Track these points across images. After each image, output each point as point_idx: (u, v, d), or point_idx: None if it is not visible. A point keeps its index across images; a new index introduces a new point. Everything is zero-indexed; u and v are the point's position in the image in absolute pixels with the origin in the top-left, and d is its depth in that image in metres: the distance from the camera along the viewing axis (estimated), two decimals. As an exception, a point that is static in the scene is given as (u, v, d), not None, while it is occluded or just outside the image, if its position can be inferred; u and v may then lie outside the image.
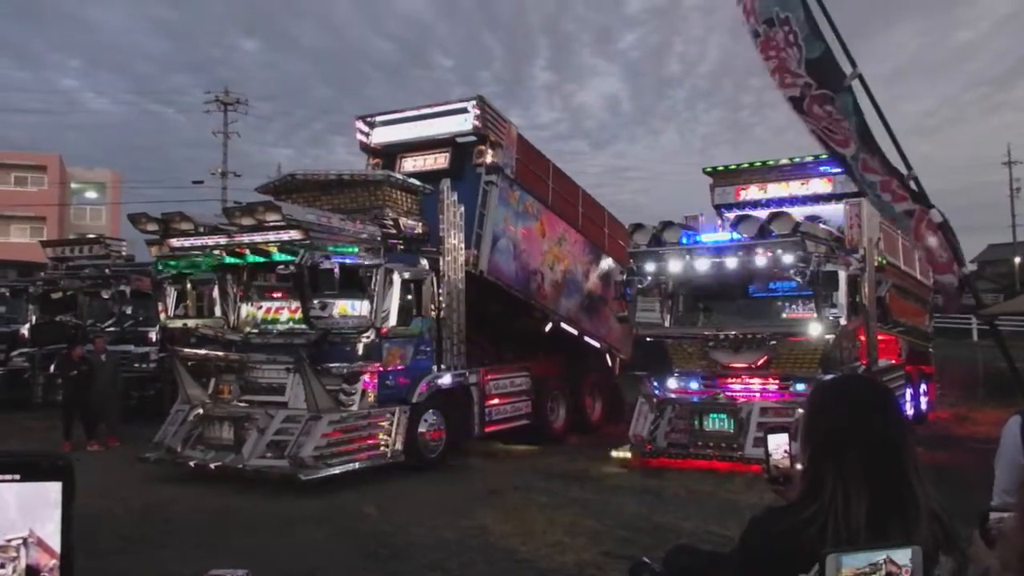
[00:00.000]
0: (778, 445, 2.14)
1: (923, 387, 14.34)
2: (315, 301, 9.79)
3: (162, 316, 11.43)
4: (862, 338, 11.13)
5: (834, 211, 12.25)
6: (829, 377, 2.07)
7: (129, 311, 16.04)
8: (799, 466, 1.80)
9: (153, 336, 15.17)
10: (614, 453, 11.04)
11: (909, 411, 13.20)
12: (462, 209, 11.50)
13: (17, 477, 0.92)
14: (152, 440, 10.39)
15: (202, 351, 10.92)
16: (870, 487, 1.60)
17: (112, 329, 15.60)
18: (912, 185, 5.84)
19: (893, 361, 12.98)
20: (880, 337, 12.08)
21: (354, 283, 10.14)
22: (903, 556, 1.39)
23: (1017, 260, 42.41)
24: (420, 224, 11.19)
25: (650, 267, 11.33)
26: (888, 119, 5.89)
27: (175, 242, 10.31)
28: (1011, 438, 2.90)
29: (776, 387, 10.62)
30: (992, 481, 2.91)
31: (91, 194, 48.94)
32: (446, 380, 11.15)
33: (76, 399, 12.30)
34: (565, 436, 13.30)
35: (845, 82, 5.65)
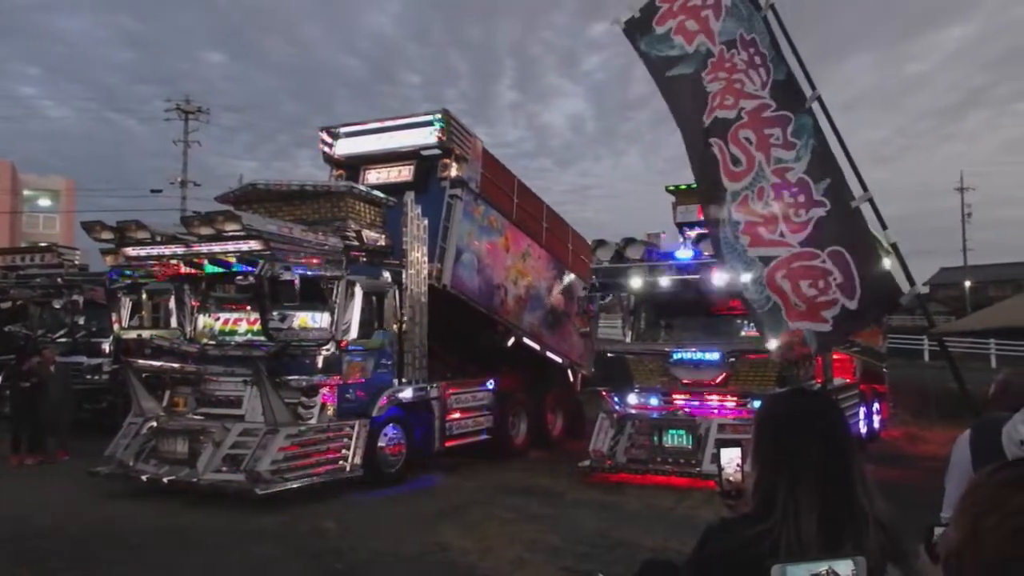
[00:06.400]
0: (730, 459, 2.16)
1: (876, 406, 14.59)
2: (275, 313, 9.68)
3: (116, 327, 11.19)
4: (818, 357, 11.30)
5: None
6: (777, 391, 2.12)
7: (82, 321, 15.68)
8: (750, 480, 1.82)
9: (106, 347, 14.84)
10: (581, 464, 11.05)
11: (862, 429, 13.43)
12: (426, 222, 11.48)
13: None
14: (104, 454, 10.14)
15: (157, 363, 10.72)
16: (819, 499, 1.63)
17: (64, 340, 15.23)
18: (868, 208, 5.91)
19: (848, 380, 13.20)
20: (835, 356, 12.28)
21: (315, 295, 10.05)
22: (845, 567, 1.42)
23: (968, 284, 43.51)
24: (383, 237, 11.14)
25: (612, 283, 11.42)
26: (846, 144, 5.99)
27: (131, 251, 10.12)
28: (962, 453, 2.95)
29: (734, 404, 10.74)
30: (940, 498, 2.96)
31: (44, 202, 47.81)
32: (407, 394, 11.08)
33: (25, 412, 11.99)
34: (526, 451, 13.28)
35: (806, 104, 5.72)
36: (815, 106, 5.79)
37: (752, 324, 11.56)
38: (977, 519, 1.04)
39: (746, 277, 5.73)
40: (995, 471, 1.11)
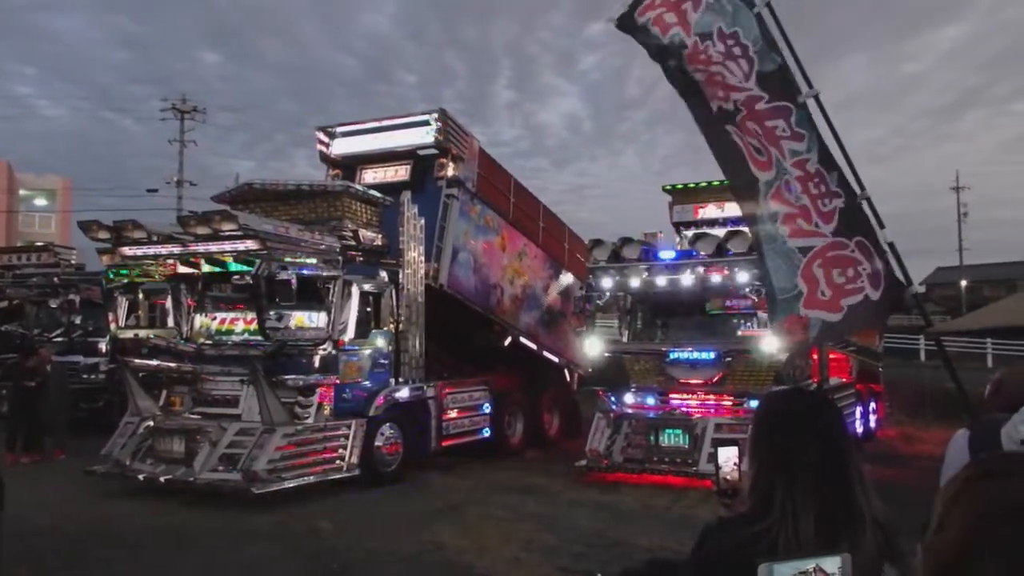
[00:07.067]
0: (728, 458, 2.17)
1: (872, 405, 14.61)
2: (271, 312, 9.67)
3: (112, 326, 11.18)
4: (815, 357, 11.32)
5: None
6: (776, 390, 2.12)
7: (78, 321, 15.66)
8: (747, 479, 1.83)
9: (103, 347, 14.83)
10: (578, 463, 11.06)
11: (859, 429, 13.45)
12: (422, 222, 11.47)
13: None
14: (100, 453, 10.13)
15: (154, 362, 10.70)
16: (817, 499, 1.63)
17: (60, 339, 15.21)
18: (865, 207, 5.91)
19: (844, 379, 13.23)
20: (832, 356, 12.31)
21: (312, 295, 10.04)
22: (831, 564, 1.42)
23: (964, 283, 43.58)
24: (380, 236, 11.14)
25: (609, 283, 11.43)
26: (843, 144, 5.99)
27: (127, 251, 10.11)
28: (958, 452, 2.97)
29: (731, 403, 10.76)
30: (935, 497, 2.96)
31: (40, 201, 47.74)
32: (404, 393, 11.07)
33: (24, 411, 11.98)
34: (523, 451, 13.29)
35: (800, 99, 5.70)
36: (811, 104, 5.77)
37: (748, 324, 11.64)
38: (945, 511, 1.07)
39: (780, 268, 5.72)
40: (968, 466, 1.13)
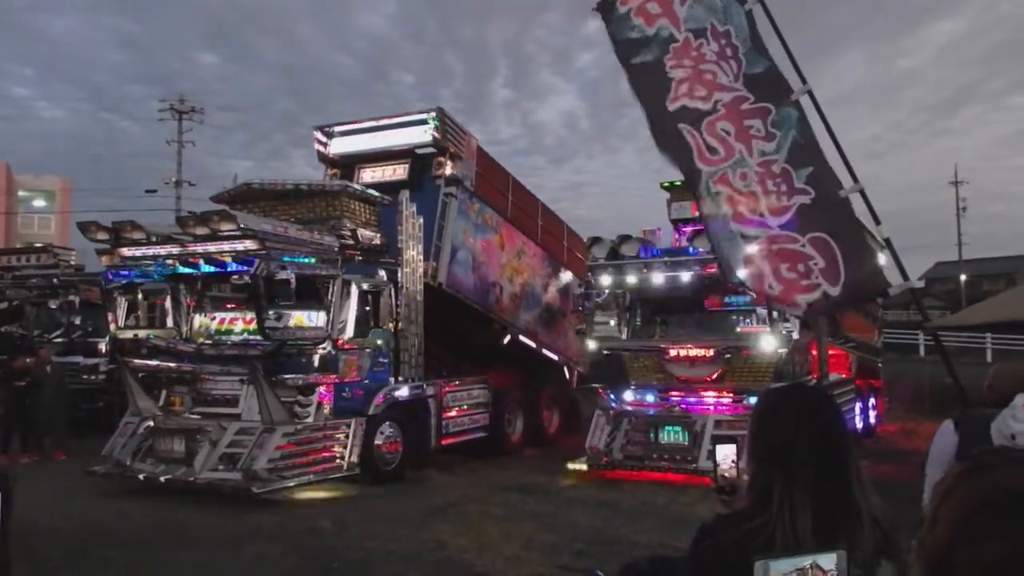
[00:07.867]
0: (726, 455, 2.17)
1: (872, 401, 14.62)
2: (270, 312, 9.68)
3: (112, 327, 11.18)
4: (814, 352, 11.33)
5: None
6: (775, 386, 2.12)
7: (78, 322, 15.66)
8: (746, 476, 1.83)
9: (102, 347, 14.83)
10: (570, 465, 11.07)
11: (858, 424, 13.46)
12: (421, 220, 11.47)
13: None
14: (101, 453, 10.14)
15: (153, 362, 10.71)
16: (815, 495, 1.64)
17: (60, 340, 15.21)
18: (860, 199, 5.91)
19: (843, 375, 13.23)
20: (831, 352, 12.31)
21: (311, 294, 10.04)
22: (828, 561, 1.42)
23: (963, 278, 43.57)
24: (378, 235, 11.13)
25: (608, 280, 11.43)
26: (837, 138, 5.99)
27: (126, 251, 10.11)
28: (943, 442, 3.00)
29: (730, 400, 10.76)
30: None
31: (39, 202, 47.75)
32: (403, 392, 11.08)
33: (18, 411, 11.99)
34: (522, 449, 13.30)
35: (792, 97, 5.68)
36: (805, 100, 5.76)
37: (746, 320, 11.65)
38: (937, 506, 1.08)
39: (723, 251, 5.73)
40: (959, 463, 1.14)
